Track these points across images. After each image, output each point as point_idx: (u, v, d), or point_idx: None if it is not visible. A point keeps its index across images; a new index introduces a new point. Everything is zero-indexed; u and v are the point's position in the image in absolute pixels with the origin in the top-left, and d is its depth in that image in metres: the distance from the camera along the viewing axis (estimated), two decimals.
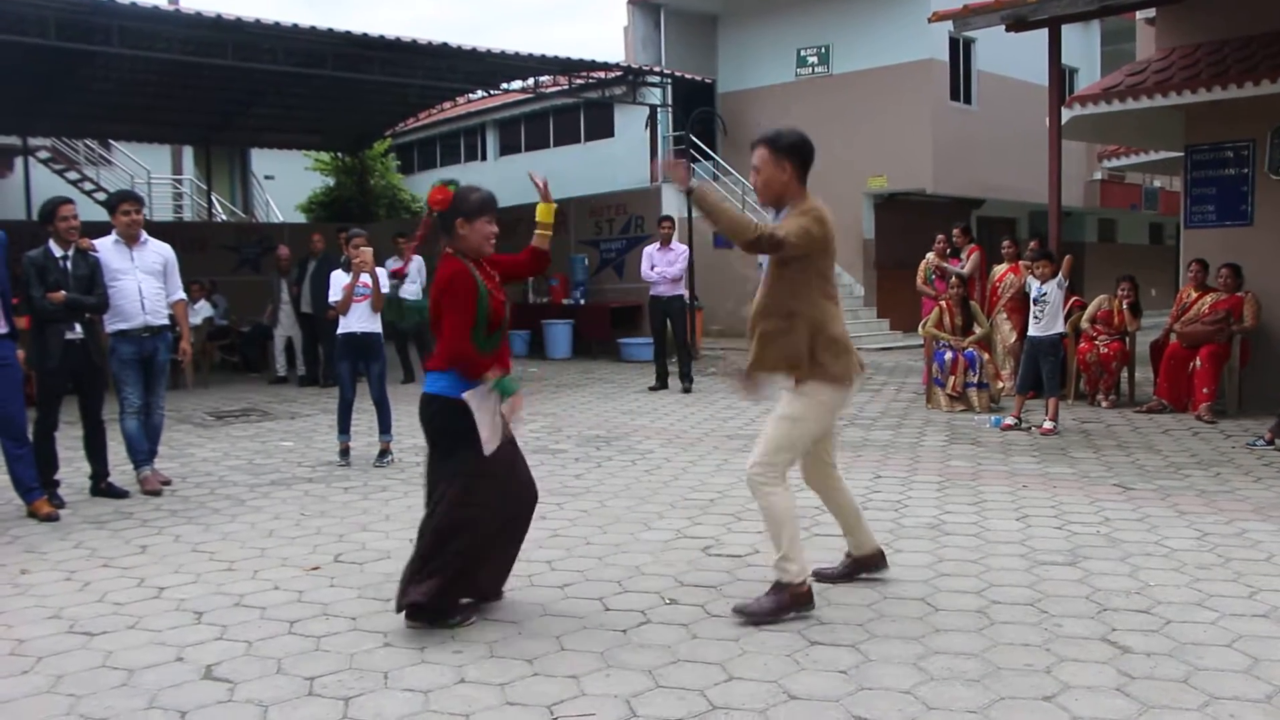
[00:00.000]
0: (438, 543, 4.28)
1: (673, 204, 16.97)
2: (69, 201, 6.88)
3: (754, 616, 4.30)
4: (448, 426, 4.31)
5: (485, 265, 4.46)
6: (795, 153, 4.31)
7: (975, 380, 10.48)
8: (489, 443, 4.26)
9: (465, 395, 4.23)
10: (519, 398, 4.36)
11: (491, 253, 4.46)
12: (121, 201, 7.23)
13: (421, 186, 28.09)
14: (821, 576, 4.79)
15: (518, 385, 4.37)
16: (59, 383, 6.82)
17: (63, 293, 6.60)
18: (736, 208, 4.09)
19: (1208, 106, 10.46)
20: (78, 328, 6.80)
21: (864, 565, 4.87)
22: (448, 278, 4.29)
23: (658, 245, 12.36)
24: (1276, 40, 10.21)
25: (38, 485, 6.49)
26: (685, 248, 12.60)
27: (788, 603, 4.32)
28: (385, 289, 8.34)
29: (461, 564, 4.29)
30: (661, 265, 12.18)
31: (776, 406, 4.41)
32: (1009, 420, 9.33)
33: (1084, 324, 10.80)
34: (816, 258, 4.28)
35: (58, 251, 6.73)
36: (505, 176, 23.99)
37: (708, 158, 20.37)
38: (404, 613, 4.31)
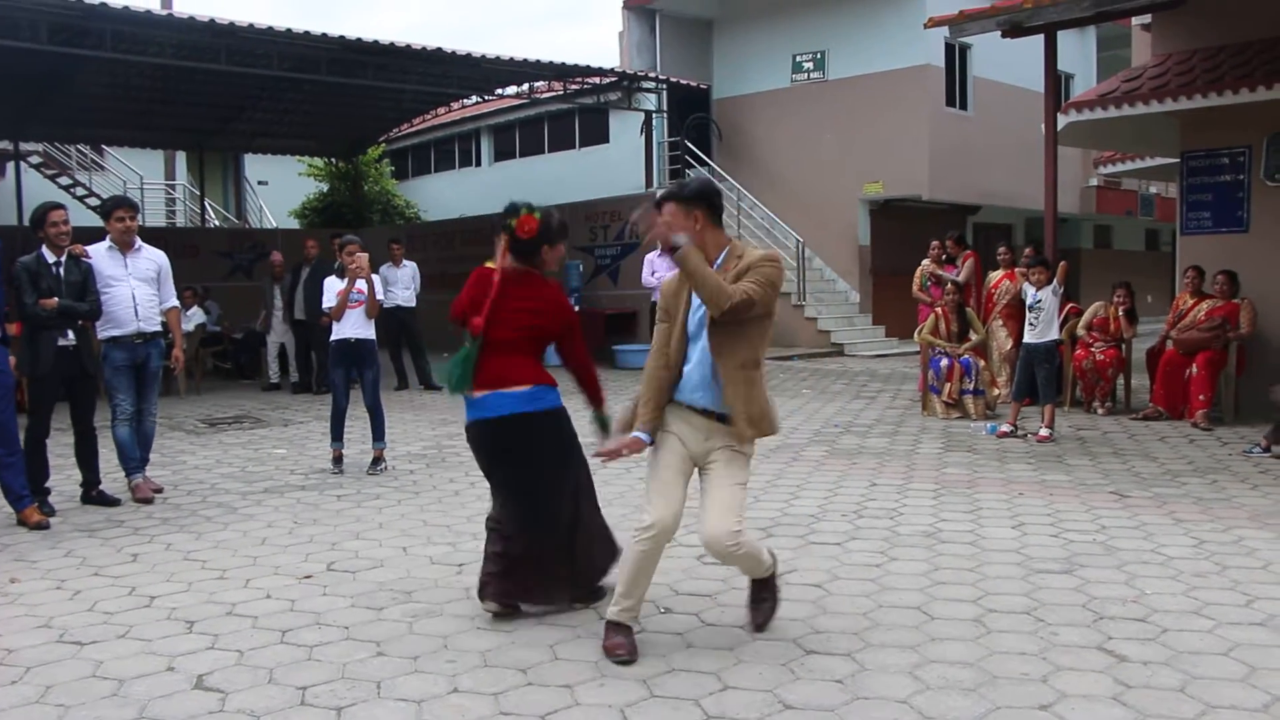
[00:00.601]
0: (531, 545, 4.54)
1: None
2: (59, 207, 6.84)
3: (769, 620, 4.33)
4: (570, 437, 4.72)
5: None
6: (701, 199, 4.12)
7: (971, 387, 10.47)
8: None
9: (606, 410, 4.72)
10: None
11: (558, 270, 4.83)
12: (116, 208, 7.20)
13: (415, 192, 28.13)
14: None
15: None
16: (50, 389, 6.78)
17: (55, 299, 6.57)
18: (710, 272, 3.98)
19: (1203, 113, 10.47)
20: (70, 334, 6.76)
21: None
22: (555, 290, 4.71)
23: (659, 251, 12.31)
24: (1272, 47, 10.22)
25: (28, 493, 6.45)
26: None
27: (774, 582, 4.37)
28: (380, 295, 8.32)
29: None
30: (662, 271, 12.15)
31: (722, 470, 4.08)
32: (1005, 427, 9.32)
33: (1080, 331, 10.80)
34: (772, 309, 4.13)
35: (50, 258, 6.70)
36: (499, 182, 24.04)
37: (703, 164, 20.36)
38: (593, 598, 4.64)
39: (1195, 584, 4.87)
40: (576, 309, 4.74)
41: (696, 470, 4.16)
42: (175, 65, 14.58)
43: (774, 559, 4.37)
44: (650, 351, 4.27)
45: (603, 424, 4.72)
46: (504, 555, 4.49)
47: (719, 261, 4.11)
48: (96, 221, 7.32)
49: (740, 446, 4.10)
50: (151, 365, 7.27)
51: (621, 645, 4.05)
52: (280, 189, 27.34)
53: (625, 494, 7.10)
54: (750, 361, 4.08)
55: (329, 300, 8.09)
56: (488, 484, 4.76)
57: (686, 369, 4.13)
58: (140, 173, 24.93)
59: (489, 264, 4.65)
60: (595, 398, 4.78)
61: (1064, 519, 6.18)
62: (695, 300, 4.10)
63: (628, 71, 18.62)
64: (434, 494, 7.20)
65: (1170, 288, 14.56)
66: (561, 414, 4.64)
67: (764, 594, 4.36)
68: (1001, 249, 12.01)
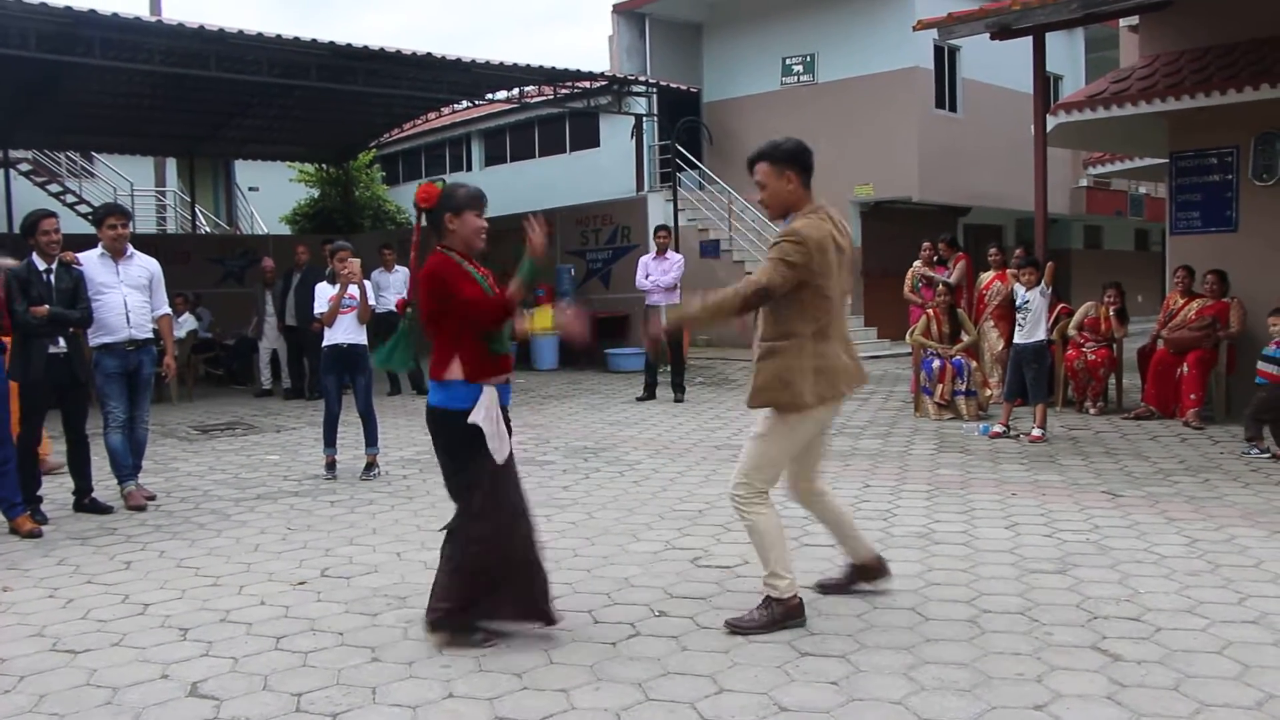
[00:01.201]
0: (463, 556, 4.22)
1: (660, 214, 16.98)
2: (51, 215, 6.83)
3: (746, 630, 4.29)
4: (459, 440, 4.21)
5: (479, 265, 4.40)
6: (796, 160, 4.30)
7: (963, 388, 10.49)
8: (498, 452, 4.21)
9: (472, 417, 4.14)
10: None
11: (482, 247, 4.39)
12: (108, 215, 7.19)
13: (406, 197, 28.04)
14: (825, 587, 4.80)
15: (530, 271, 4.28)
16: (42, 397, 6.76)
17: (46, 307, 6.55)
18: (705, 299, 4.14)
19: (1192, 113, 10.51)
20: (61, 342, 6.75)
21: (864, 573, 4.80)
22: (430, 267, 4.25)
23: (653, 254, 12.39)
24: (1259, 47, 10.27)
25: (20, 501, 6.43)
26: (680, 257, 12.64)
27: (779, 617, 4.31)
28: (372, 301, 8.32)
29: (486, 578, 4.22)
30: (656, 274, 12.20)
31: (754, 425, 4.37)
32: (997, 428, 9.34)
33: (1071, 331, 10.83)
34: (810, 280, 4.15)
35: (41, 265, 6.69)
36: (491, 187, 23.95)
37: (694, 167, 20.39)
38: (429, 628, 4.28)
39: (1188, 583, 4.88)
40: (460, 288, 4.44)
41: None
42: (165, 72, 14.55)
43: (795, 595, 4.36)
44: None
45: (539, 322, 4.40)
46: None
47: (785, 225, 4.27)
48: (87, 229, 7.31)
49: (778, 413, 4.25)
50: (144, 372, 7.26)
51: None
52: (271, 195, 27.29)
53: (619, 497, 7.10)
54: (776, 333, 4.23)
55: (320, 306, 8.08)
56: None
57: None
58: (130, 179, 24.86)
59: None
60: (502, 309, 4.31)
61: (1057, 519, 6.19)
62: None
63: (618, 75, 18.63)
64: (427, 499, 7.20)
65: (1160, 287, 14.63)
66: (441, 415, 4.25)
67: (760, 606, 4.36)
68: (992, 250, 12.04)
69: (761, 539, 4.32)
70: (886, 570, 4.84)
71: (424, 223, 4.45)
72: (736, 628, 4.31)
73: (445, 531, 4.35)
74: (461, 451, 4.21)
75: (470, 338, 4.21)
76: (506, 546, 4.22)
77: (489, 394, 4.20)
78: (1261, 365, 8.45)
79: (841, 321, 4.40)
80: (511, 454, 4.33)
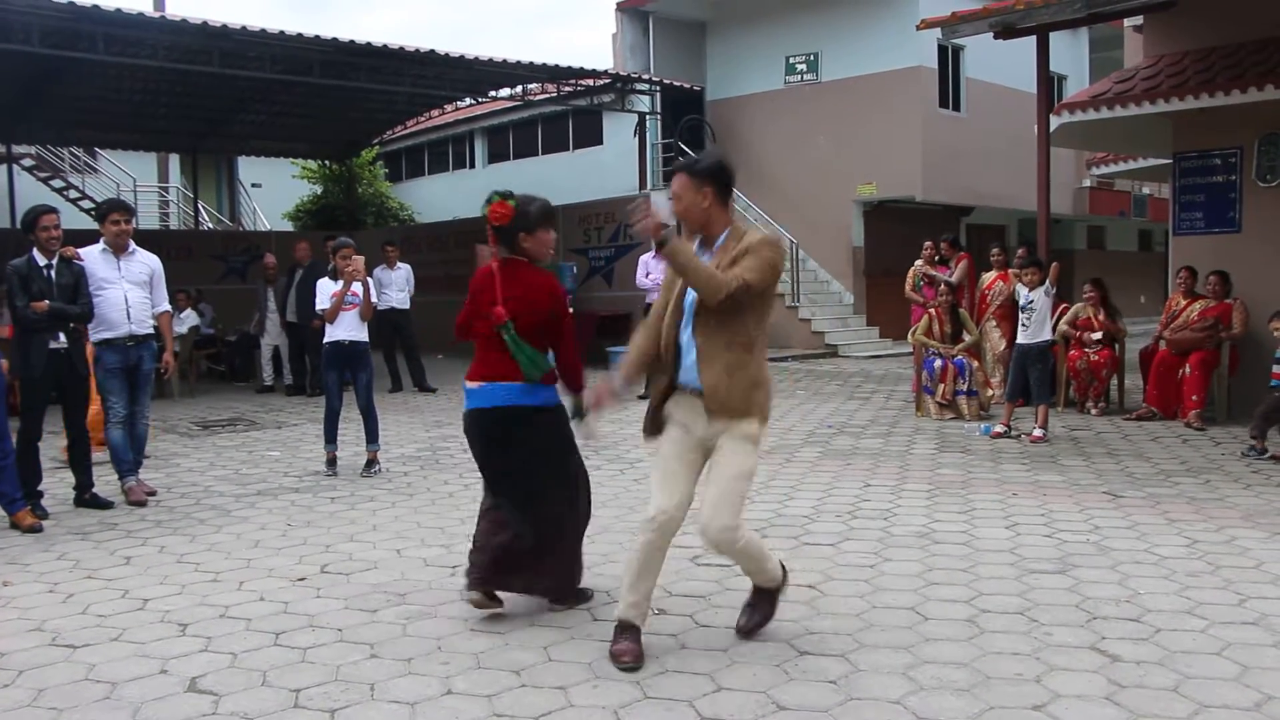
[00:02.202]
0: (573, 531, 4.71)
1: (664, 212, 16.93)
2: (51, 211, 6.82)
3: (761, 624, 4.31)
4: (566, 433, 4.68)
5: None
6: (713, 176, 4.04)
7: (965, 388, 10.48)
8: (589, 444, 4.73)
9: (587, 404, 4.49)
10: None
11: (550, 258, 4.63)
12: (112, 211, 7.20)
13: (409, 194, 28.12)
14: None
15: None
16: (43, 392, 6.76)
17: (46, 302, 6.55)
18: (702, 264, 3.91)
19: (1195, 114, 10.49)
20: (62, 337, 6.75)
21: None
22: (551, 282, 4.57)
23: (653, 252, 12.35)
24: (1264, 48, 10.25)
25: (20, 496, 6.43)
26: None
27: (776, 597, 4.35)
28: (374, 298, 8.33)
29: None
30: (656, 273, 12.19)
31: (723, 460, 3.98)
32: (998, 428, 9.33)
33: (1063, 327, 10.72)
34: (771, 292, 4.06)
35: (42, 260, 6.69)
36: (493, 184, 23.94)
37: None
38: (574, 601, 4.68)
39: (1188, 584, 4.88)
40: (571, 310, 4.73)
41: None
42: (168, 68, 14.56)
43: (784, 577, 4.34)
44: (641, 324, 4.27)
45: (578, 411, 4.61)
46: (488, 545, 4.48)
47: (719, 240, 4.04)
48: (90, 224, 7.31)
49: (743, 430, 3.95)
50: (144, 368, 7.26)
51: (627, 651, 3.94)
52: (274, 191, 27.30)
53: (620, 495, 7.10)
54: (739, 342, 3.94)
55: (323, 303, 8.08)
56: (481, 482, 4.76)
57: (683, 349, 4.02)
58: (133, 175, 24.86)
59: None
60: (572, 386, 4.65)
61: (1057, 519, 6.19)
62: None
63: (621, 73, 18.63)
64: (428, 496, 7.20)
65: (1163, 288, 14.62)
66: (557, 411, 4.62)
67: (760, 602, 4.34)
68: (995, 250, 12.03)
69: (754, 554, 4.16)
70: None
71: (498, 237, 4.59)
72: (752, 630, 4.28)
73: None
74: (567, 443, 4.70)
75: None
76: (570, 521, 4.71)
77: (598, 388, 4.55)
78: (1278, 369, 8.35)
79: None
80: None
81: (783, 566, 4.37)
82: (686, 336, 4.01)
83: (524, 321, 4.44)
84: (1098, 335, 10.62)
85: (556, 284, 4.61)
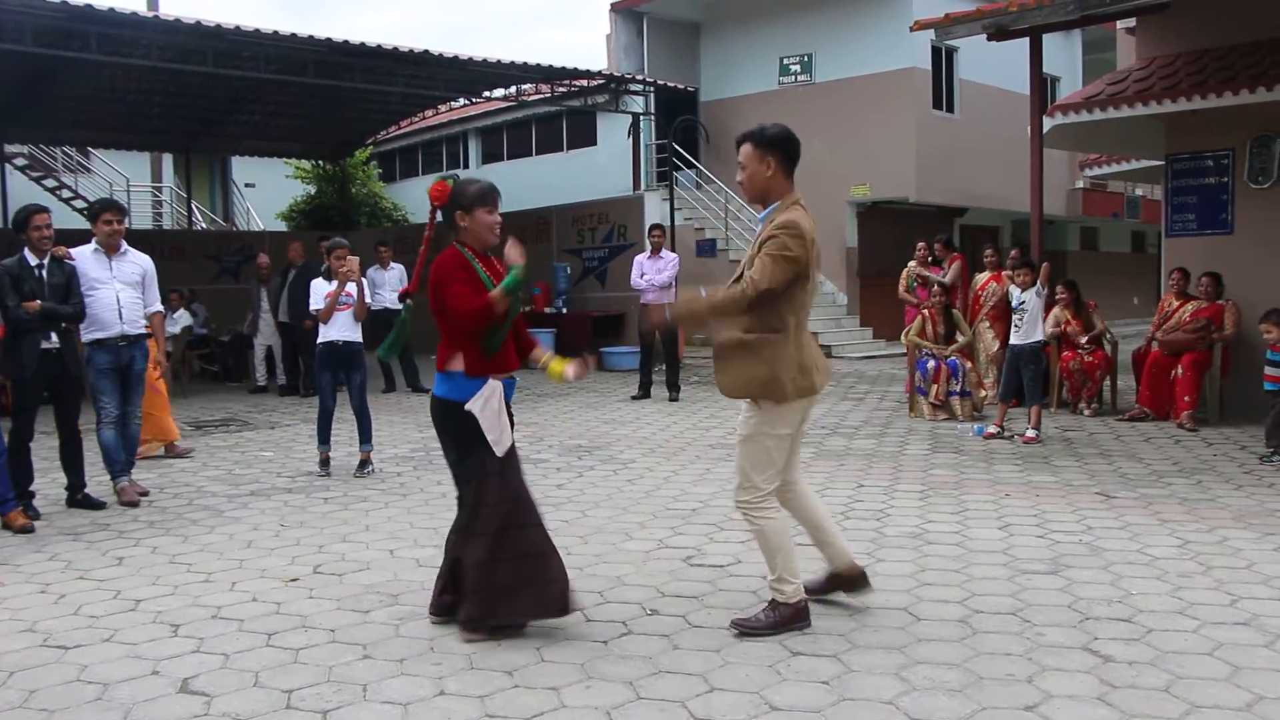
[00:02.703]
0: (475, 551, 4.27)
1: (656, 213, 16.98)
2: (42, 210, 6.80)
3: (753, 631, 4.27)
4: (458, 430, 4.30)
5: (491, 261, 4.48)
6: (777, 146, 4.26)
7: (958, 389, 10.50)
8: (497, 444, 4.27)
9: (468, 405, 4.23)
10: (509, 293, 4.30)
11: (495, 242, 4.47)
12: (104, 210, 7.19)
13: (403, 194, 28.08)
14: (806, 589, 4.61)
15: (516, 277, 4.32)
16: (34, 392, 6.75)
17: (38, 302, 6.54)
18: (712, 297, 4.21)
19: (1188, 116, 10.52)
20: (54, 337, 6.73)
21: (841, 583, 4.62)
22: (435, 263, 4.34)
23: (648, 253, 12.40)
24: (1255, 50, 10.27)
25: (12, 496, 6.42)
26: (675, 256, 12.64)
27: (786, 619, 4.29)
28: (368, 299, 8.32)
29: (508, 571, 4.25)
30: (650, 273, 12.20)
31: (740, 428, 4.33)
32: (991, 429, 9.34)
33: (1050, 330, 10.65)
34: (803, 272, 4.18)
35: (33, 260, 6.67)
36: None
37: (691, 166, 20.39)
38: (463, 627, 4.31)
39: (1180, 584, 4.89)
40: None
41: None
42: (161, 67, 14.50)
43: (801, 599, 4.33)
44: None
45: (552, 371, 4.55)
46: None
47: (765, 213, 4.30)
48: (83, 224, 7.30)
49: (756, 405, 4.24)
50: (136, 368, 7.26)
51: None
52: (267, 191, 27.26)
53: (614, 495, 7.10)
54: (763, 325, 4.17)
55: (317, 303, 8.07)
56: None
57: None
58: (126, 175, 24.83)
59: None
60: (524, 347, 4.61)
61: (1050, 520, 6.20)
62: None
63: (615, 74, 18.62)
64: (421, 496, 7.19)
65: (1156, 290, 14.65)
66: (444, 405, 4.34)
67: (770, 609, 4.34)
68: (988, 251, 12.05)
69: (769, 543, 4.28)
70: (866, 582, 4.63)
71: (438, 218, 4.49)
72: (743, 628, 4.29)
73: (451, 532, 4.42)
74: (464, 442, 4.30)
75: (467, 334, 4.26)
76: (514, 537, 4.26)
77: (490, 387, 4.28)
78: (1269, 370, 8.34)
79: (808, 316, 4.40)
80: (514, 447, 4.39)
81: (805, 604, 4.35)
82: None
83: (435, 308, 4.33)
84: (1084, 339, 10.67)
85: (441, 258, 4.37)
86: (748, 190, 4.35)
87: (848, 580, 4.62)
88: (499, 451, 4.27)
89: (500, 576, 4.23)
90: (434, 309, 4.32)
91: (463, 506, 4.41)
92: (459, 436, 4.31)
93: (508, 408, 4.38)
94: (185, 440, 9.45)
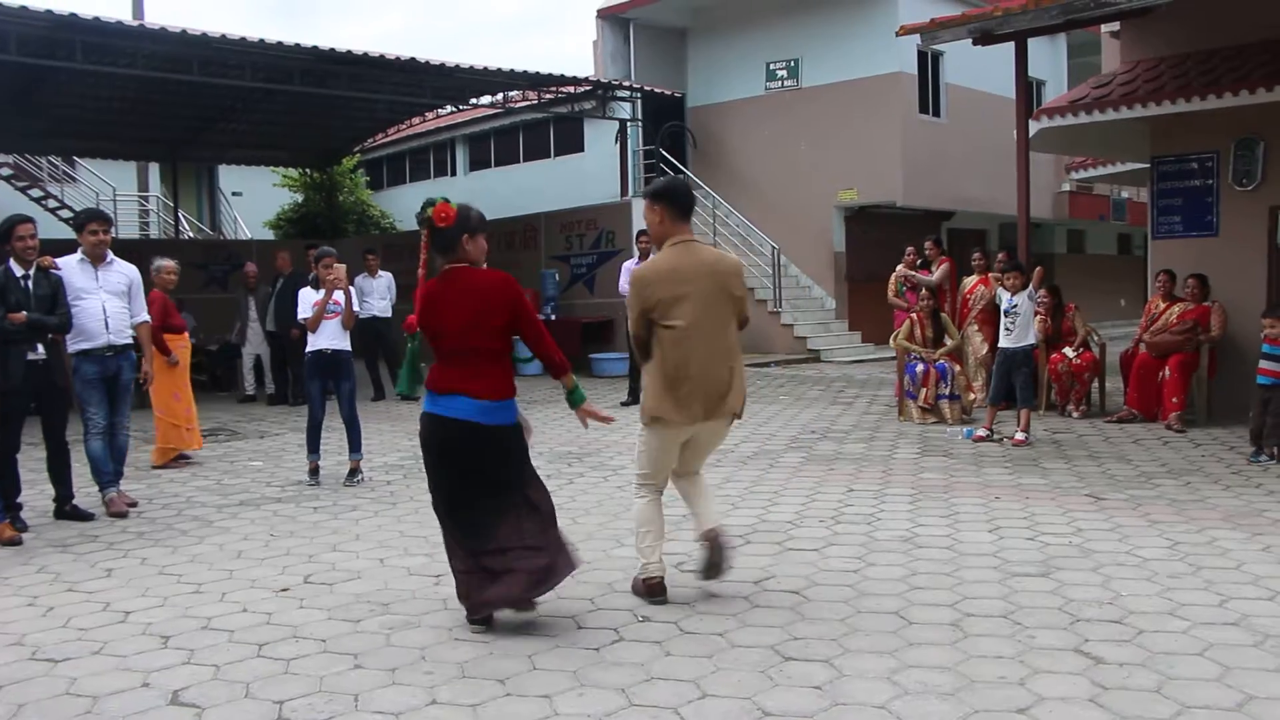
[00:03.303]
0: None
1: (644, 219, 16.95)
2: (26, 221, 6.76)
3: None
4: (516, 441, 4.70)
5: None
6: (660, 198, 4.77)
7: (947, 392, 10.52)
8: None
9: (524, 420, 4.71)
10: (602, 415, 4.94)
11: (483, 267, 4.70)
12: (89, 221, 7.16)
13: (391, 202, 28.03)
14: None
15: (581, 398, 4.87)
16: (20, 403, 6.71)
17: (24, 314, 6.49)
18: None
19: (1172, 119, 10.58)
20: (40, 348, 6.69)
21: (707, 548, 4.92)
22: (508, 282, 4.65)
23: (635, 259, 12.39)
24: (1239, 53, 10.33)
25: (1, 508, 6.38)
26: None
27: (638, 589, 4.90)
28: (356, 307, 8.31)
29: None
30: None
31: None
32: (981, 432, 9.36)
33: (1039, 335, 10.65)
34: (649, 313, 4.67)
35: (18, 271, 6.63)
36: (475, 192, 23.98)
37: (678, 172, 20.39)
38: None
39: (1170, 585, 4.90)
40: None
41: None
42: (147, 76, 14.47)
43: (652, 579, 4.84)
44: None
45: (572, 398, 4.87)
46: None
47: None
48: (68, 234, 7.27)
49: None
50: (123, 378, 7.23)
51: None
52: (255, 200, 27.18)
53: (604, 502, 7.10)
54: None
55: (304, 312, 8.06)
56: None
57: None
58: (113, 184, 24.72)
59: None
60: (556, 368, 4.84)
61: (1040, 522, 6.21)
62: None
63: (602, 80, 18.63)
64: (411, 505, 7.17)
65: (1143, 292, 14.70)
66: (510, 431, 4.68)
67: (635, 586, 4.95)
68: (975, 254, 12.07)
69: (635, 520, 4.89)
70: (720, 555, 4.88)
71: (426, 237, 4.66)
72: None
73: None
74: (517, 449, 4.69)
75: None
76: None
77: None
78: (1265, 364, 8.28)
79: (705, 344, 4.68)
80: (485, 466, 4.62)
81: (657, 584, 4.86)
82: None
83: (482, 327, 4.56)
84: (1072, 345, 10.71)
85: (508, 277, 4.69)
86: (654, 238, 4.88)
87: (708, 545, 4.89)
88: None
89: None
90: (499, 316, 4.55)
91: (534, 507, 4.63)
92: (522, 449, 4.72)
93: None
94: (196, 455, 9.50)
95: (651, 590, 4.84)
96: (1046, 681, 3.78)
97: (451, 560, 4.63)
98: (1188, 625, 4.34)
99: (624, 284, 12.28)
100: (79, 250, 7.12)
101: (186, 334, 9.44)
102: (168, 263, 9.35)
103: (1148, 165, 11.54)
